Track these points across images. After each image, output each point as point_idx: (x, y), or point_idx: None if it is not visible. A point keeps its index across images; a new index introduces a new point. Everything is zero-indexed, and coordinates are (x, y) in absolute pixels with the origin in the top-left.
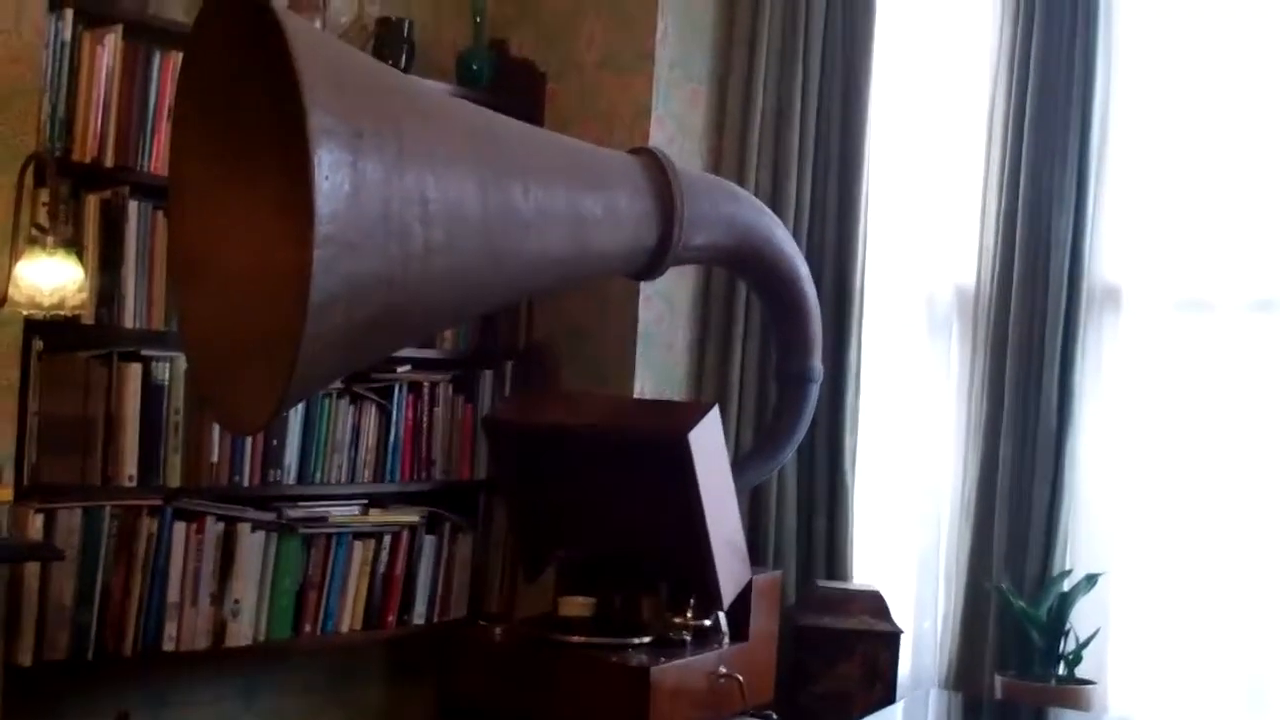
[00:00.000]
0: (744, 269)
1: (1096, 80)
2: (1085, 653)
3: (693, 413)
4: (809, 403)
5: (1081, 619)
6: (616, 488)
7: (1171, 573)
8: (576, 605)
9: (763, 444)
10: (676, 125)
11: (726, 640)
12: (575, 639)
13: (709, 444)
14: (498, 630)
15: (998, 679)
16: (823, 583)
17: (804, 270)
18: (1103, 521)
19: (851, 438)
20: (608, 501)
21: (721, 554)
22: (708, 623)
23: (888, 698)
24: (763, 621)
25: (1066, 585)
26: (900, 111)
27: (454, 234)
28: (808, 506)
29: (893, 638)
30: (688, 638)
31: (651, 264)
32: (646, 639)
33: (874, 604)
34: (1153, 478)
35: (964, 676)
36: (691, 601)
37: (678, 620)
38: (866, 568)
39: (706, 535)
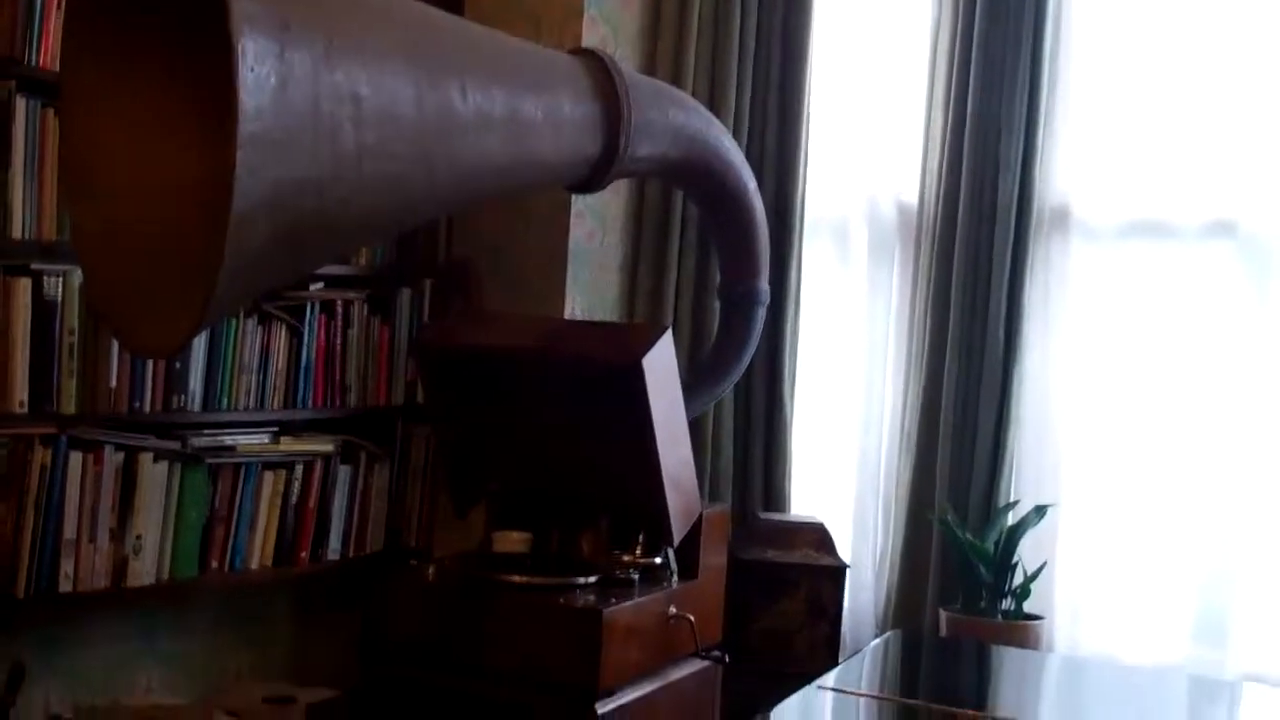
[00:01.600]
0: (690, 182)
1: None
2: (1032, 587)
3: (645, 336)
4: (755, 327)
5: (1027, 552)
6: (555, 416)
7: (1119, 503)
8: (513, 541)
9: (705, 371)
10: (610, 27)
11: (675, 578)
12: (516, 578)
13: (662, 370)
14: (430, 569)
15: (942, 614)
16: (764, 515)
17: (752, 184)
18: (1050, 451)
19: (791, 362)
20: (544, 431)
21: (672, 487)
22: (657, 560)
23: (832, 634)
24: (711, 558)
25: (1013, 517)
26: (844, 19)
27: (387, 136)
28: (744, 434)
29: (837, 572)
30: (635, 576)
31: (594, 175)
32: (592, 578)
33: (817, 537)
34: (1102, 405)
35: (905, 612)
36: (640, 538)
37: (626, 558)
38: (805, 499)
39: (658, 467)
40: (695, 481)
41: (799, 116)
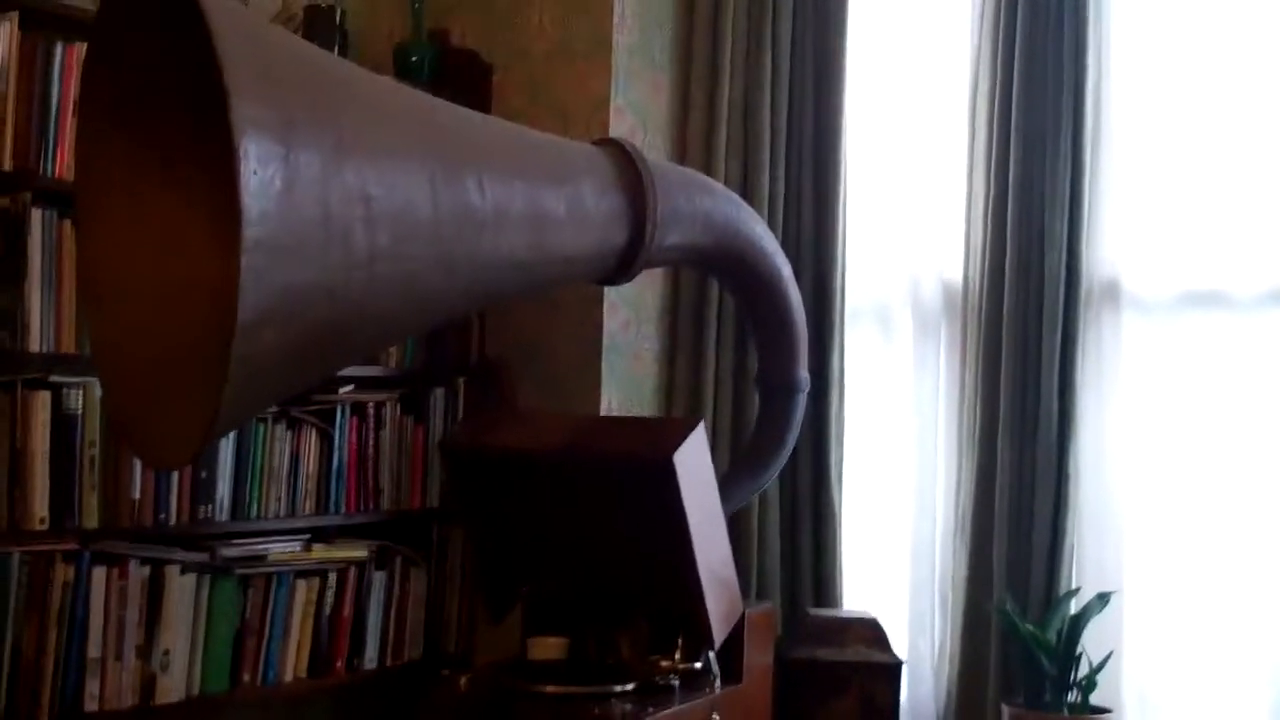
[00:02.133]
0: (721, 271)
1: (1088, 57)
2: (1098, 678)
3: (676, 431)
4: (796, 415)
5: (1092, 642)
6: (588, 516)
7: (1187, 589)
8: (548, 647)
9: (746, 462)
10: (638, 117)
11: (718, 683)
12: (550, 688)
13: (695, 465)
14: (463, 679)
15: (1005, 710)
16: (814, 611)
17: (786, 270)
18: (1111, 535)
19: (837, 451)
20: (579, 531)
21: (711, 586)
22: (698, 665)
23: None
24: (756, 659)
25: (1075, 606)
26: (877, 97)
27: (401, 237)
28: (791, 528)
29: (892, 669)
30: (675, 682)
31: (621, 267)
32: (629, 685)
33: (870, 633)
34: (1163, 486)
35: (966, 708)
36: (679, 641)
37: (664, 662)
38: (856, 593)
39: (695, 566)
40: (736, 579)
41: (835, 197)
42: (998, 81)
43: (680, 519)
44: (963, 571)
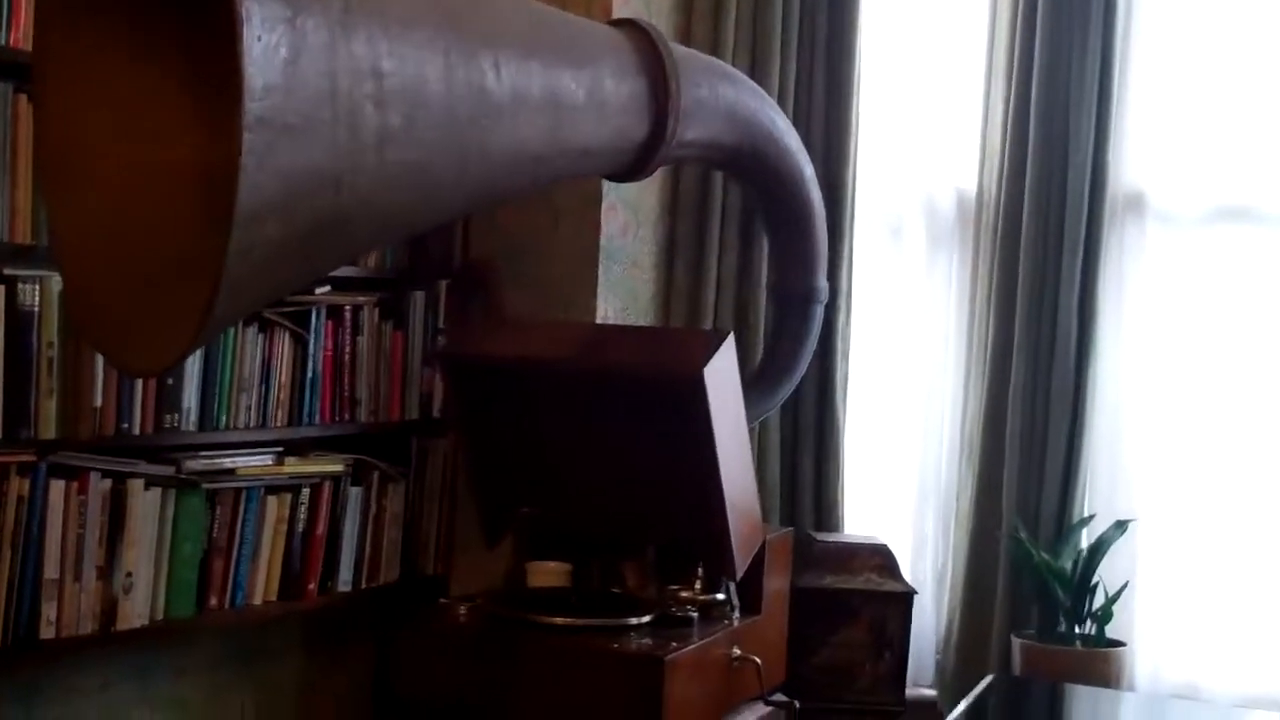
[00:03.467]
0: (741, 170)
1: None
2: (1113, 608)
3: (702, 343)
4: (814, 328)
5: (1104, 572)
6: (597, 434)
7: (1205, 517)
8: (549, 573)
9: (759, 379)
10: (641, 1)
11: (737, 615)
12: (559, 619)
13: (724, 383)
14: (462, 609)
15: (1014, 642)
16: (820, 536)
17: (809, 170)
18: (1127, 460)
19: (843, 366)
20: (584, 450)
21: (735, 513)
22: (719, 596)
23: (897, 667)
24: (774, 588)
25: (1089, 534)
26: None
27: (414, 119)
28: (793, 447)
29: (904, 598)
30: (694, 614)
31: (638, 162)
32: (646, 618)
33: (880, 560)
34: (1184, 408)
35: (970, 639)
36: (698, 570)
37: (684, 593)
38: (859, 517)
39: (720, 492)
40: (758, 505)
41: (849, 96)
42: None
43: (707, 441)
44: (969, 497)
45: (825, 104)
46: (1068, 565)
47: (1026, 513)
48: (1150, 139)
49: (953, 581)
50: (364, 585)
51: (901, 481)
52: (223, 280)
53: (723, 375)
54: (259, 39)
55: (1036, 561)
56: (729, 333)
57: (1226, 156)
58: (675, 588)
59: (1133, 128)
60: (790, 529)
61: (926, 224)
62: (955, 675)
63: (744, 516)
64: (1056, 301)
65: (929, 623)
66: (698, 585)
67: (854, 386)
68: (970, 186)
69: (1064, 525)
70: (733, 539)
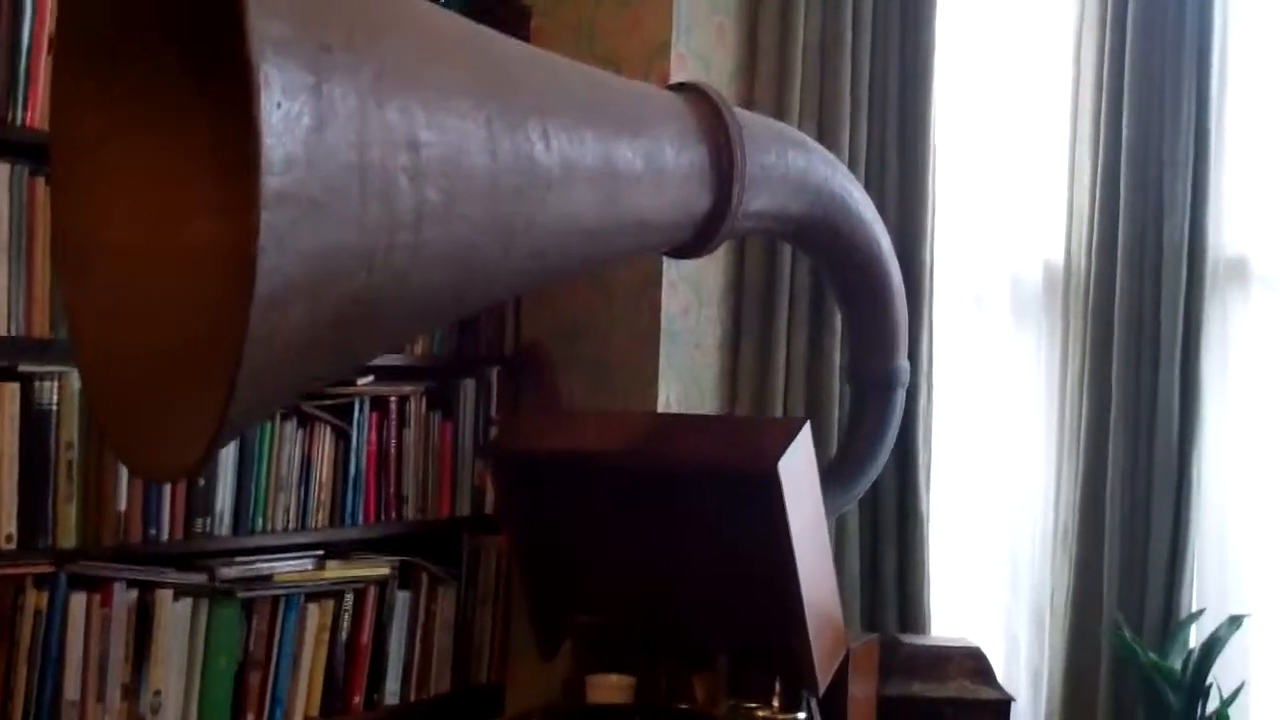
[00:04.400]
0: (812, 242)
1: (1215, 7)
2: (1229, 711)
3: (776, 434)
4: (895, 412)
5: (1217, 672)
6: (661, 533)
7: None
8: (611, 687)
9: (837, 469)
10: (701, 66)
11: None
12: None
13: (801, 476)
14: None
15: None
16: (908, 639)
17: (886, 243)
18: (1237, 549)
19: (925, 453)
20: (648, 551)
21: (815, 619)
22: (800, 716)
23: None
24: (859, 703)
25: (1198, 630)
26: (972, 49)
27: (454, 194)
28: (872, 541)
29: (1001, 707)
30: None
31: (701, 236)
32: None
33: (974, 665)
34: None
35: None
36: (776, 685)
37: (761, 712)
38: (945, 616)
39: (799, 596)
40: (839, 609)
41: (923, 162)
42: (1108, 32)
43: (783, 540)
44: (1065, 590)
45: (899, 172)
46: (1177, 665)
47: (1129, 608)
48: (1251, 199)
49: (1050, 684)
50: (413, 698)
51: (990, 576)
52: (240, 372)
53: (799, 469)
54: (279, 106)
55: (1143, 661)
56: (805, 421)
57: None
58: (751, 705)
59: (1231, 188)
60: (876, 635)
61: (1011, 298)
62: None
63: (825, 623)
64: (1156, 376)
65: None
66: (775, 702)
67: (936, 473)
68: (1057, 256)
69: (1171, 621)
70: (813, 649)
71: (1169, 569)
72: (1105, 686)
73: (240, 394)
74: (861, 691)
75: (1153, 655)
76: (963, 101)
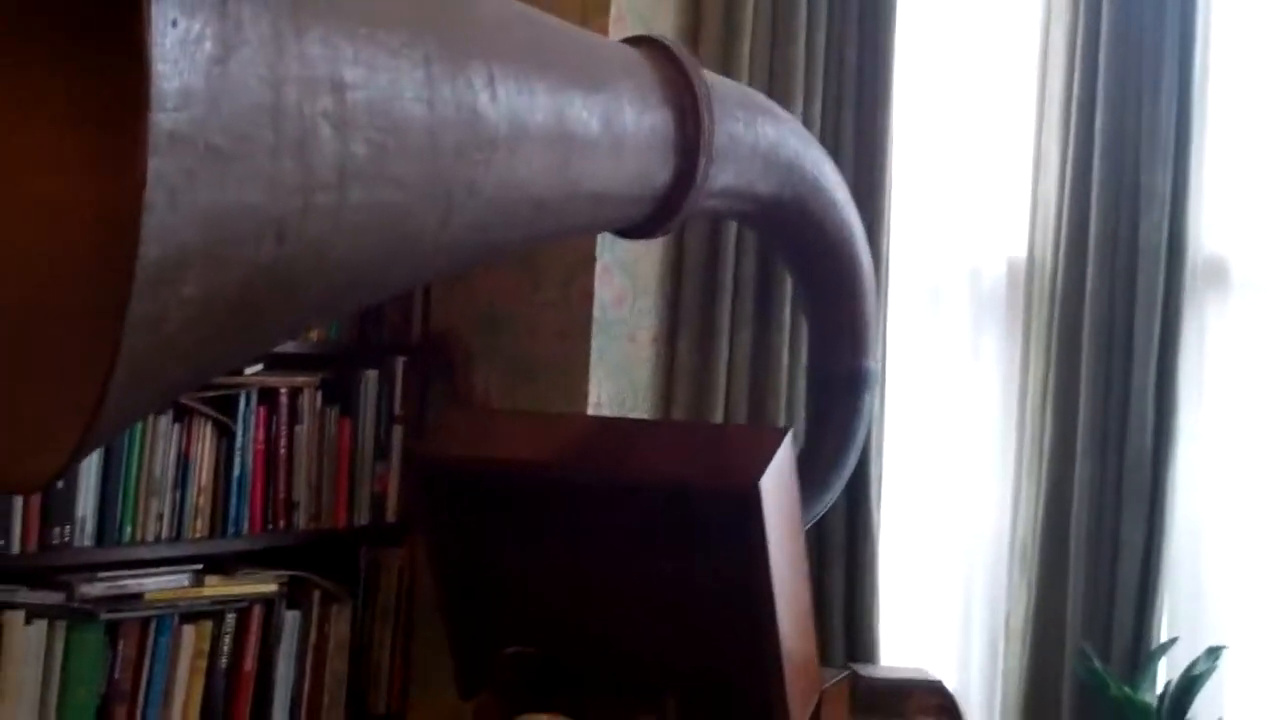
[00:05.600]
0: (778, 227)
1: None
2: None
3: (755, 446)
4: (862, 419)
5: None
6: (608, 555)
7: None
8: None
9: (802, 479)
10: (641, 27)
11: None
12: None
13: (782, 495)
14: None
15: None
16: (863, 670)
17: (859, 229)
18: (1214, 571)
19: (876, 464)
20: (589, 576)
21: (792, 659)
22: None
23: None
24: None
25: (1170, 662)
26: (935, 24)
27: (385, 149)
28: (817, 558)
29: None
30: None
31: (659, 213)
32: None
33: (938, 701)
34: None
35: None
36: None
37: None
38: (894, 643)
39: (774, 631)
40: (815, 645)
41: (881, 148)
42: (1081, 7)
43: (759, 568)
44: (1024, 614)
45: (854, 155)
46: (1151, 699)
47: (1094, 635)
48: (1234, 197)
49: (1004, 715)
50: None
51: (942, 598)
52: (118, 362)
53: (781, 487)
54: (174, 24)
55: (1114, 695)
56: (787, 430)
57: None
58: None
59: (1213, 184)
60: (848, 672)
61: (970, 295)
62: None
63: (800, 663)
64: (1128, 383)
65: None
66: None
67: (888, 488)
68: (1021, 252)
69: (1141, 650)
70: (788, 695)
71: (1139, 593)
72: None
73: (116, 390)
74: None
75: (1126, 689)
76: (923, 82)
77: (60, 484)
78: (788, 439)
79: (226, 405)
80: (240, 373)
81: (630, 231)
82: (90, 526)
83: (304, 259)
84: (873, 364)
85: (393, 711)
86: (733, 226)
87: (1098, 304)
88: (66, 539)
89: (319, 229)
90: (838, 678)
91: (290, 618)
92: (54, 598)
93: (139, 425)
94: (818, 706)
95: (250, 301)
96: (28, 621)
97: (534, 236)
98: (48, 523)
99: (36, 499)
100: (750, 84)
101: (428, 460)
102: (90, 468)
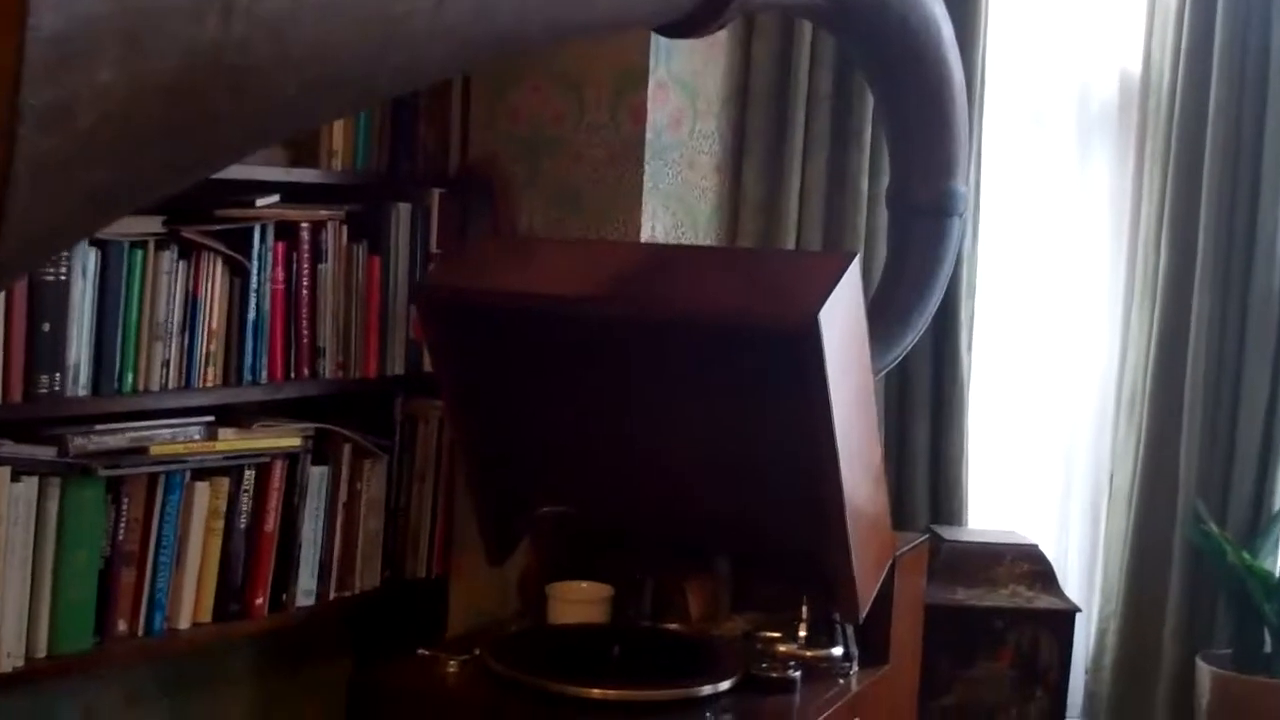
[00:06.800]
0: (852, 24)
1: None
2: None
3: (816, 274)
4: (949, 249)
5: None
6: (647, 402)
7: None
8: (582, 601)
9: (875, 320)
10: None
11: (855, 670)
12: (598, 692)
13: (846, 331)
14: (451, 664)
15: (1201, 666)
16: (948, 534)
17: (948, 30)
18: None
19: (968, 305)
20: (627, 424)
21: (858, 521)
22: (836, 650)
23: (1054, 710)
24: (906, 626)
25: None
26: None
27: None
28: (899, 411)
29: (1065, 619)
30: (795, 674)
31: (704, 8)
32: (725, 684)
33: (1030, 566)
34: None
35: (1135, 660)
36: (803, 609)
37: (782, 646)
38: (984, 504)
39: (839, 492)
40: (888, 507)
41: None
42: None
43: (820, 416)
44: (1130, 472)
45: None
46: (1272, 568)
47: (1209, 497)
48: None
49: (1105, 583)
50: (332, 596)
51: (1038, 453)
52: (15, 157)
53: (846, 321)
54: None
55: (1231, 561)
56: (853, 255)
57: None
58: (771, 635)
59: None
60: (927, 536)
61: (1077, 115)
62: (1112, 707)
63: (870, 528)
64: (1255, 211)
65: (1079, 637)
66: (802, 632)
67: (980, 331)
68: (1134, 65)
69: (1261, 514)
70: (854, 564)
71: (1261, 449)
72: (1179, 589)
73: (21, 192)
74: (909, 611)
75: (1244, 554)
76: None
77: (46, 327)
78: (854, 265)
79: (239, 240)
80: (253, 204)
81: (672, 27)
82: (84, 375)
83: (260, 42)
84: (962, 186)
85: (433, 576)
86: (806, 34)
87: (1222, 123)
88: (58, 387)
89: (277, 4)
90: (915, 542)
91: (317, 474)
92: (45, 452)
93: (139, 258)
94: (890, 574)
95: (193, 91)
96: (15, 478)
97: (553, 26)
98: (34, 370)
99: (19, 344)
100: None
101: (434, 294)
102: (82, 308)
